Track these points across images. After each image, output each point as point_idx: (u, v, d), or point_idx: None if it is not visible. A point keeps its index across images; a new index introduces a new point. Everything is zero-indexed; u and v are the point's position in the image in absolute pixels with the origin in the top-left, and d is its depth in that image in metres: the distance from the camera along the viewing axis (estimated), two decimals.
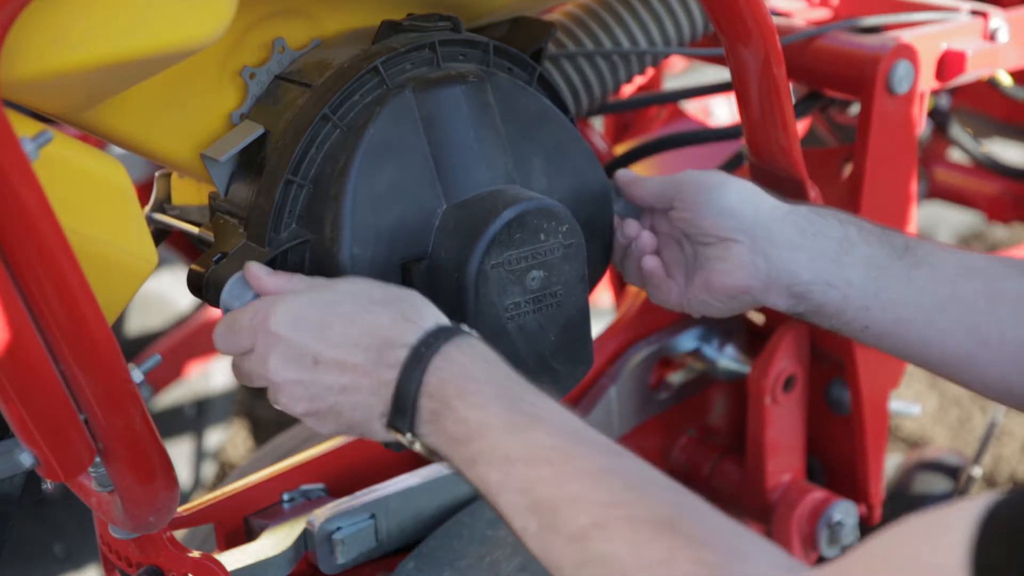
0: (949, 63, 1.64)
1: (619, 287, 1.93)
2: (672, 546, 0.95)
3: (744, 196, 1.30)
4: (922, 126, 1.65)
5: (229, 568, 1.32)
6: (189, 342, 2.62)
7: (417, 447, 1.10)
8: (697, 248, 1.32)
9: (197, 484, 2.74)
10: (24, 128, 1.01)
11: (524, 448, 1.04)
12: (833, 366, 1.68)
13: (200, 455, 2.74)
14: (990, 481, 2.90)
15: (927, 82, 1.63)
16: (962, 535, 0.80)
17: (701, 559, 0.94)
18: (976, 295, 1.23)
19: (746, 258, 1.28)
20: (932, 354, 1.26)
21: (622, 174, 1.38)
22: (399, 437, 1.11)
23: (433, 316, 1.12)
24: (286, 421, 3.01)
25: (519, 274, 1.23)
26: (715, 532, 0.97)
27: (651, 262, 1.35)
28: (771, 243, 1.27)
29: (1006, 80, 1.78)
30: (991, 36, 1.69)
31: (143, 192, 1.25)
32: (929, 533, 0.84)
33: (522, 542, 1.04)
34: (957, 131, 2.04)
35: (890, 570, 0.85)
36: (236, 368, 1.19)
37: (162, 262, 1.28)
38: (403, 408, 1.09)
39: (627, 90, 1.88)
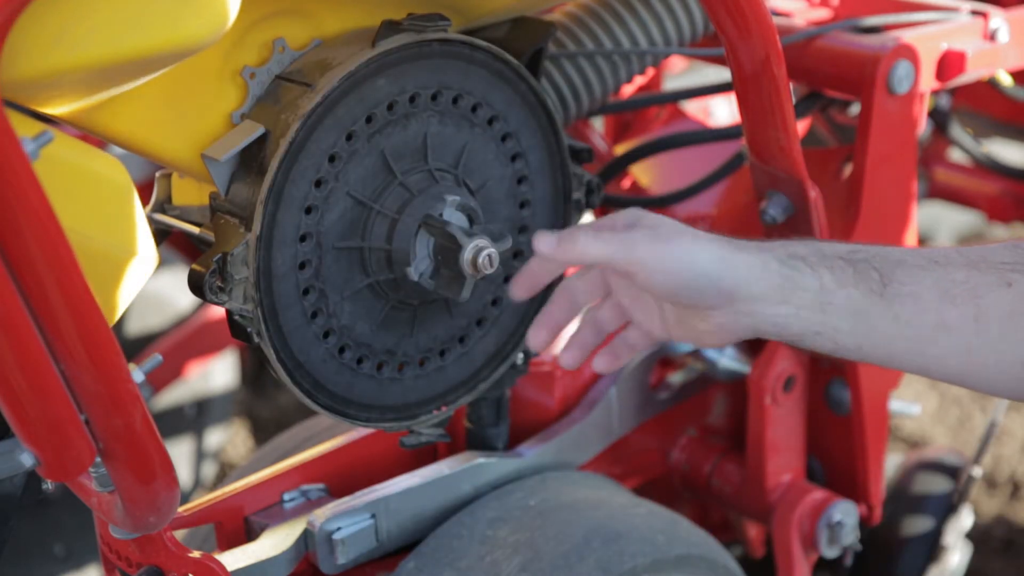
0: (949, 63, 1.64)
1: None
2: None
3: (714, 257, 1.22)
4: (922, 126, 1.65)
5: (229, 568, 1.32)
6: (189, 342, 2.62)
7: None
8: (671, 307, 1.26)
9: (197, 484, 2.74)
10: (25, 128, 1.01)
11: None
12: (833, 366, 1.68)
13: (200, 455, 2.74)
14: (990, 481, 2.90)
15: (927, 82, 1.63)
16: None
17: None
18: (963, 320, 1.19)
19: (729, 319, 1.22)
20: (932, 374, 1.23)
21: (540, 238, 1.25)
22: None
23: None
24: (286, 421, 3.01)
25: None
26: None
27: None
28: (753, 301, 1.21)
29: (1006, 80, 1.78)
30: (991, 36, 1.69)
31: (143, 192, 1.25)
32: None
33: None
34: (957, 131, 2.04)
35: None
36: None
37: (162, 262, 1.27)
38: None
39: (627, 90, 1.88)
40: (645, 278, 1.21)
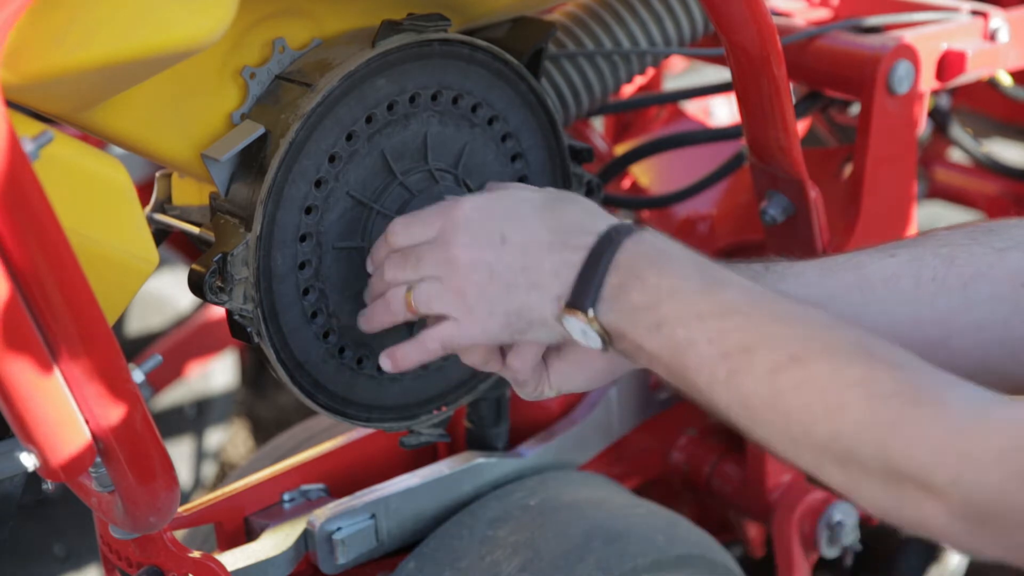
0: (949, 63, 1.64)
1: None
2: (871, 367, 1.00)
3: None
4: (922, 126, 1.65)
5: (229, 568, 1.32)
6: (189, 342, 2.62)
7: (592, 329, 1.10)
8: None
9: (197, 484, 2.74)
10: (25, 128, 1.01)
11: (717, 305, 1.06)
12: None
13: (200, 455, 2.74)
14: None
15: (927, 82, 1.63)
16: None
17: (900, 378, 0.99)
18: (847, 288, 1.18)
19: None
20: None
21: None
22: (573, 317, 1.11)
23: (614, 217, 1.16)
24: (286, 421, 3.01)
25: None
26: (909, 358, 1.02)
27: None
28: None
29: (1006, 80, 1.78)
30: (991, 36, 1.69)
31: (143, 192, 1.25)
32: None
33: (705, 398, 1.07)
34: (957, 131, 2.04)
35: None
36: (396, 268, 1.20)
37: (162, 262, 1.28)
38: (587, 284, 1.10)
39: (627, 90, 1.88)
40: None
